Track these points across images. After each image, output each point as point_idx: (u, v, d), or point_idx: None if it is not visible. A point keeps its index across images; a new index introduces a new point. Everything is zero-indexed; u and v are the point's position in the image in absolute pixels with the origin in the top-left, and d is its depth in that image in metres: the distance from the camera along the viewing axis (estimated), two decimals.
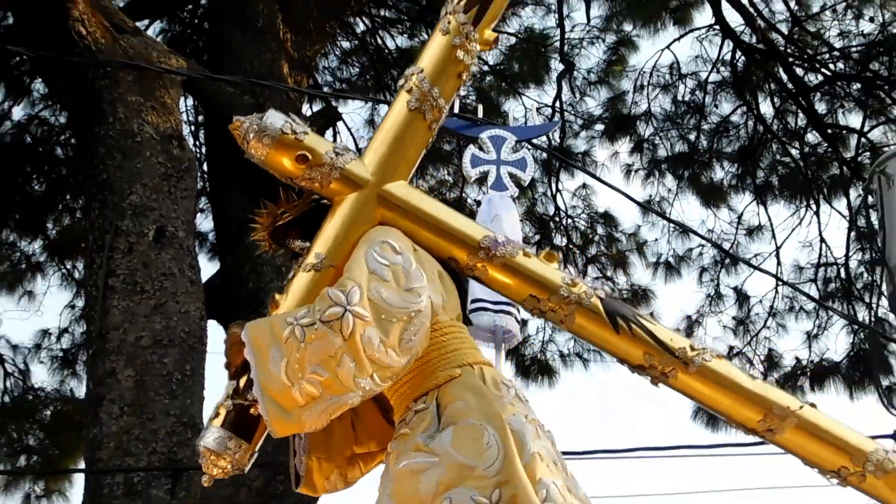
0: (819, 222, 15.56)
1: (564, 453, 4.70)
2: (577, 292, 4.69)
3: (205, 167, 13.54)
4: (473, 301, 7.02)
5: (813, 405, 4.72)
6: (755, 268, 15.57)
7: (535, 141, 9.07)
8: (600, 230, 16.23)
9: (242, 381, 4.36)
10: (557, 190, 16.03)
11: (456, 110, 8.23)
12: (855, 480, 4.63)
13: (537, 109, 15.56)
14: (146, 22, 14.48)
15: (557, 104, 15.84)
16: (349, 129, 15.90)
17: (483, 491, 4.12)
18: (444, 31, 4.88)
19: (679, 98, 15.96)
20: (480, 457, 4.18)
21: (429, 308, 4.35)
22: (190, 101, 14.16)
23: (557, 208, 16.02)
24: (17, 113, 15.20)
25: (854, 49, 15.45)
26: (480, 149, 7.44)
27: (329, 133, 14.99)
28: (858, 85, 15.40)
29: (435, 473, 4.20)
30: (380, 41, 16.58)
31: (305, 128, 4.74)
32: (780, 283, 15.53)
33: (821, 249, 15.62)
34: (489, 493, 4.12)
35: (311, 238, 4.70)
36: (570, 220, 16.10)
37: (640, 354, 4.67)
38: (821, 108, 15.55)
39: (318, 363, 4.17)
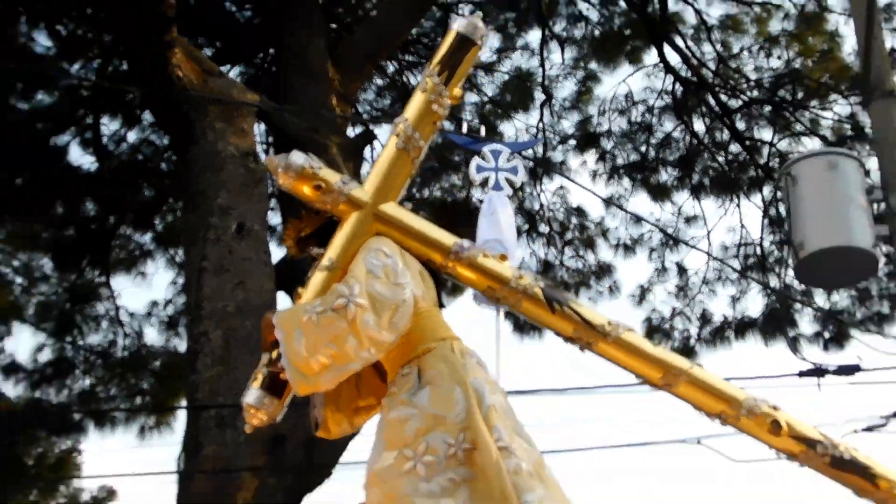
0: (740, 212, 15.56)
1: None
2: (523, 284, 4.73)
3: (270, 177, 13.54)
4: None
5: (700, 365, 4.77)
6: (692, 247, 15.60)
7: (523, 153, 9.10)
8: (574, 220, 16.20)
9: (274, 354, 4.41)
10: (541, 190, 16.03)
11: (464, 131, 8.30)
12: (732, 421, 4.66)
13: (525, 129, 15.65)
14: (228, 66, 14.51)
15: (540, 125, 15.86)
16: (382, 147, 15.84)
17: (451, 434, 4.19)
18: (423, 89, 4.95)
19: (632, 119, 15.95)
20: (450, 410, 4.25)
21: (412, 298, 4.41)
22: (262, 127, 14.12)
23: (541, 204, 16.01)
24: (131, 137, 15.34)
25: (766, 80, 15.42)
26: (483, 159, 7.49)
27: (367, 150, 14.99)
28: (769, 107, 15.38)
29: (416, 422, 4.27)
30: (405, 79, 16.60)
31: (321, 163, 4.78)
32: (711, 258, 15.54)
33: (741, 233, 15.63)
34: (456, 436, 4.19)
35: (325, 245, 4.76)
36: (551, 213, 16.06)
37: (570, 329, 4.71)
38: (741, 125, 15.54)
39: (329, 341, 4.24)
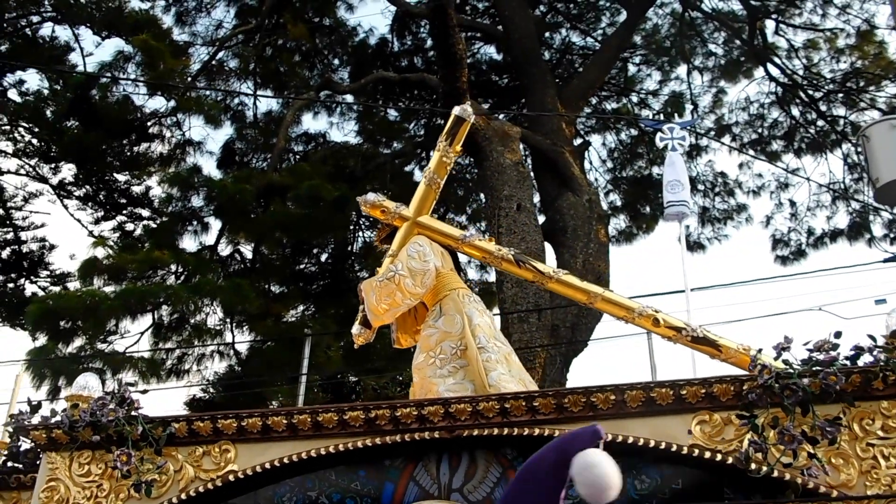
0: (827, 163, 14.68)
1: None
2: (502, 253, 4.91)
3: (532, 175, 13.67)
4: (668, 204, 7.40)
5: (610, 290, 4.79)
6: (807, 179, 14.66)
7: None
8: (719, 179, 15.51)
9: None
10: (696, 163, 15.51)
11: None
12: (631, 320, 4.68)
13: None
14: (499, 113, 14.74)
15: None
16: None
17: (454, 342, 4.51)
18: (437, 149, 5.14)
19: (750, 112, 15.15)
20: (453, 328, 4.56)
21: (434, 268, 4.71)
22: (523, 146, 14.29)
23: (698, 172, 15.49)
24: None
25: (837, 76, 14.36)
26: (663, 133, 7.63)
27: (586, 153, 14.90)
28: (841, 94, 14.30)
29: (436, 336, 4.60)
30: (604, 106, 16.33)
31: (384, 198, 5.08)
32: (809, 181, 14.58)
33: (829, 176, 14.62)
34: (456, 342, 4.51)
35: (390, 243, 5.07)
36: (704, 176, 15.52)
37: (531, 276, 4.86)
38: (823, 108, 14.51)
39: (387, 295, 4.63)
